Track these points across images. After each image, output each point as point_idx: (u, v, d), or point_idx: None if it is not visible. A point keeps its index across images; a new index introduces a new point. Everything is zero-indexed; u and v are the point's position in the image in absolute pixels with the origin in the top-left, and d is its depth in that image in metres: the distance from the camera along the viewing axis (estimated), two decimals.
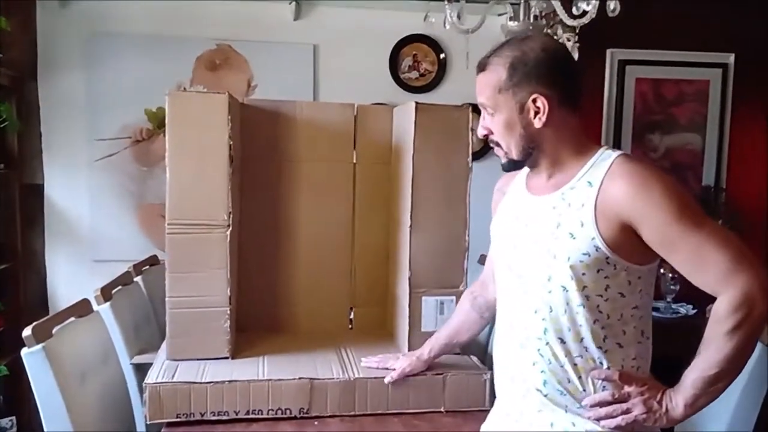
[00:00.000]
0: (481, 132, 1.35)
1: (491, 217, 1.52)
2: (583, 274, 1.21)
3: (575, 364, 1.23)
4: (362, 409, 1.74)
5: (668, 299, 3.40)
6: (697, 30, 3.56)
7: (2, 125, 2.74)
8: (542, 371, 1.26)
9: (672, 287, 3.37)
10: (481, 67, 1.31)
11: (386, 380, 1.75)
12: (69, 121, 3.26)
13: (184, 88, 3.30)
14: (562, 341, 1.24)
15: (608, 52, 3.61)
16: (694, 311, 3.35)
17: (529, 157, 1.31)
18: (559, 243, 1.23)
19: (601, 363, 1.22)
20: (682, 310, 3.40)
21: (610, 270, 1.20)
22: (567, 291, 1.22)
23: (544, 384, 1.26)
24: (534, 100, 1.25)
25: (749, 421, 1.88)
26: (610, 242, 1.19)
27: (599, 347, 1.22)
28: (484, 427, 1.47)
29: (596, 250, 1.19)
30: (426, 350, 1.77)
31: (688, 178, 3.74)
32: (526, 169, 1.39)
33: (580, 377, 1.24)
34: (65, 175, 3.28)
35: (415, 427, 1.70)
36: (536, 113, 1.26)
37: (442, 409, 1.77)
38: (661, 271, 3.25)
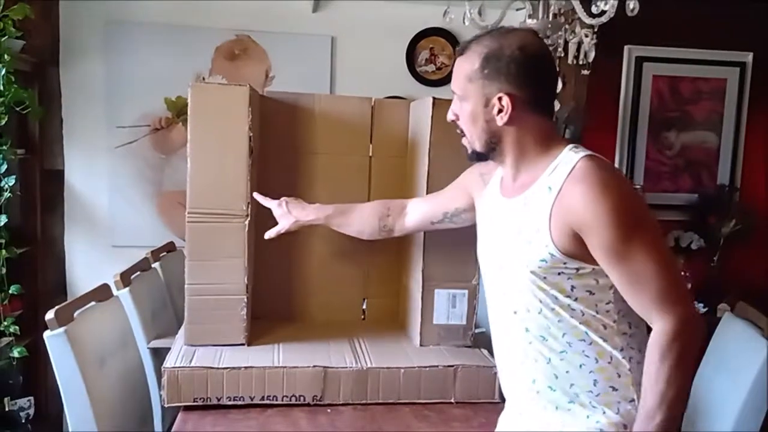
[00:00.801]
0: (449, 116, 1.34)
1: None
2: (544, 277, 1.22)
3: (562, 360, 1.24)
4: (374, 398, 1.77)
5: None
6: (715, 28, 3.54)
7: (25, 111, 2.78)
8: (529, 369, 1.28)
9: None
10: (460, 51, 1.30)
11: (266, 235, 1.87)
12: (89, 108, 3.31)
13: (204, 78, 3.34)
14: (544, 338, 1.25)
15: (626, 48, 3.60)
16: (705, 309, 3.36)
17: (492, 151, 1.30)
18: (519, 249, 1.24)
19: (587, 355, 1.23)
20: None
21: (572, 272, 1.20)
22: (536, 293, 1.23)
23: (533, 382, 1.28)
24: (499, 98, 1.23)
25: (756, 421, 1.90)
26: (562, 249, 1.19)
27: (582, 340, 1.22)
28: (498, 427, 1.47)
29: (551, 256, 1.20)
30: (315, 210, 1.85)
31: (702, 176, 3.74)
32: (500, 170, 1.39)
33: (568, 372, 1.24)
34: (85, 161, 3.33)
35: (425, 417, 1.73)
36: (500, 111, 1.24)
37: (452, 401, 1.80)
38: None
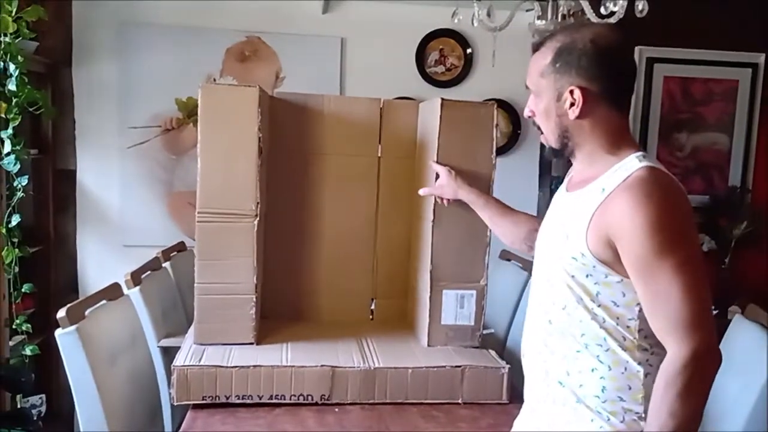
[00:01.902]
0: (526, 112, 1.34)
1: None
2: (573, 276, 1.22)
3: (576, 359, 1.24)
4: (381, 398, 1.78)
5: None
6: (727, 29, 3.52)
7: (38, 112, 2.81)
8: (545, 360, 1.29)
9: None
10: (535, 47, 1.30)
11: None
12: (101, 109, 3.33)
13: (214, 79, 3.35)
14: (563, 334, 1.25)
15: (637, 49, 3.58)
16: (716, 312, 3.34)
17: (565, 147, 1.29)
18: (558, 242, 1.26)
19: (601, 361, 1.22)
20: None
21: (600, 277, 1.20)
22: (563, 289, 1.24)
23: (546, 373, 1.29)
24: (571, 92, 1.23)
25: (767, 424, 1.89)
26: (594, 251, 1.19)
27: (599, 345, 1.21)
28: (514, 428, 1.48)
29: (582, 255, 1.20)
30: (477, 194, 1.83)
31: (713, 178, 3.72)
32: None
33: (580, 372, 1.24)
34: (97, 161, 3.35)
35: (433, 418, 1.73)
36: (571, 105, 1.23)
37: (459, 401, 1.80)
38: None
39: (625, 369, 1.21)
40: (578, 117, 1.24)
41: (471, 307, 1.95)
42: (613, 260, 1.18)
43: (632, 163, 1.20)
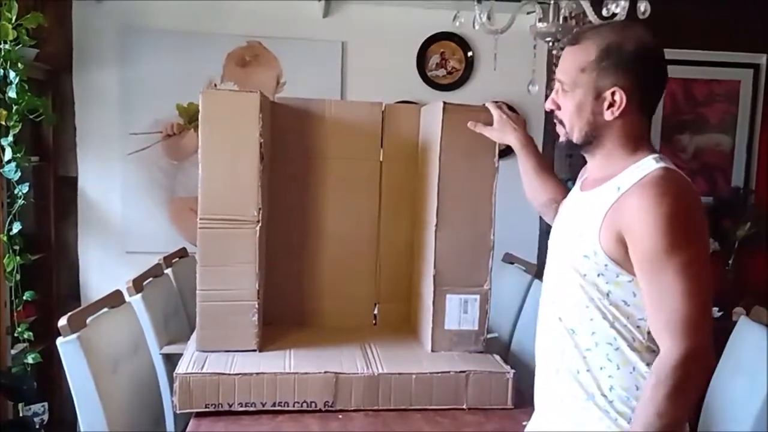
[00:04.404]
0: (548, 105, 1.32)
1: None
2: (584, 275, 1.22)
3: (585, 357, 1.24)
4: (386, 404, 1.77)
5: None
6: (728, 30, 3.51)
7: (38, 119, 2.81)
8: (555, 358, 1.30)
9: None
10: (574, 40, 1.28)
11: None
12: (102, 115, 3.33)
13: (215, 85, 3.35)
14: (574, 332, 1.26)
15: None
16: (720, 313, 3.32)
17: (587, 144, 1.28)
18: (570, 240, 1.26)
19: (610, 360, 1.22)
20: None
21: (611, 277, 1.20)
22: (574, 287, 1.25)
23: (556, 372, 1.30)
24: (613, 93, 1.22)
25: None
26: (607, 250, 1.19)
27: (609, 344, 1.22)
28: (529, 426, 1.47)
29: (594, 254, 1.20)
30: (522, 144, 1.72)
31: (717, 179, 3.70)
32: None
33: (588, 370, 1.24)
34: (98, 168, 3.35)
35: (437, 424, 1.72)
36: (610, 105, 1.23)
37: (464, 407, 1.79)
38: None
39: (633, 369, 1.21)
40: (614, 118, 1.23)
41: (475, 311, 1.94)
42: (624, 258, 1.18)
43: (649, 164, 1.20)
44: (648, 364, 1.20)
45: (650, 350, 1.20)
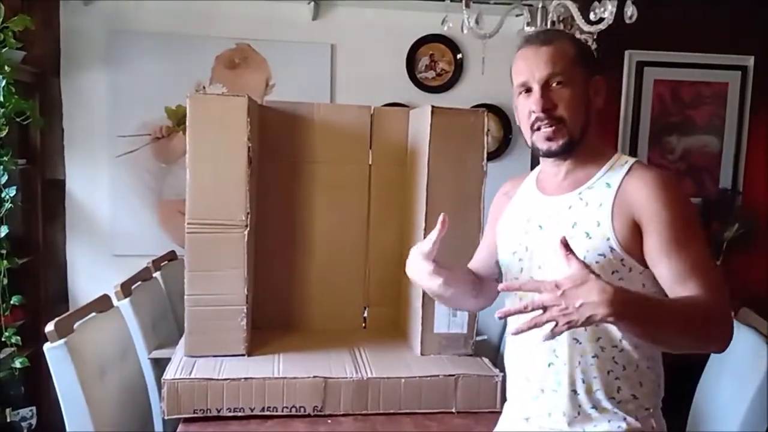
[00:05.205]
0: (543, 105, 1.26)
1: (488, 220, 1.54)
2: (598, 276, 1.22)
3: (592, 364, 1.24)
4: (375, 409, 1.77)
5: None
6: (716, 32, 3.53)
7: (26, 122, 2.79)
8: (557, 372, 1.27)
9: None
10: (546, 41, 1.29)
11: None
12: (90, 118, 3.31)
13: (204, 87, 3.34)
14: (577, 341, 1.25)
15: (626, 53, 3.59)
16: None
17: (577, 143, 1.28)
18: (574, 243, 1.22)
19: (616, 362, 1.24)
20: None
21: (625, 272, 1.21)
22: None
23: (559, 384, 1.27)
24: (597, 80, 1.30)
25: (762, 422, 1.89)
26: (623, 243, 1.20)
27: (615, 346, 1.23)
28: (497, 427, 1.46)
29: (611, 250, 1.21)
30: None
31: (704, 181, 3.72)
32: (534, 172, 1.42)
33: (595, 377, 1.24)
34: (86, 170, 3.33)
35: (426, 428, 1.72)
36: (597, 93, 1.30)
37: (453, 410, 1.79)
38: None
39: (637, 367, 1.25)
40: (597, 108, 1.31)
41: (464, 315, 1.94)
42: (638, 250, 1.21)
43: (624, 159, 1.29)
44: (649, 359, 1.25)
45: (648, 345, 1.23)
